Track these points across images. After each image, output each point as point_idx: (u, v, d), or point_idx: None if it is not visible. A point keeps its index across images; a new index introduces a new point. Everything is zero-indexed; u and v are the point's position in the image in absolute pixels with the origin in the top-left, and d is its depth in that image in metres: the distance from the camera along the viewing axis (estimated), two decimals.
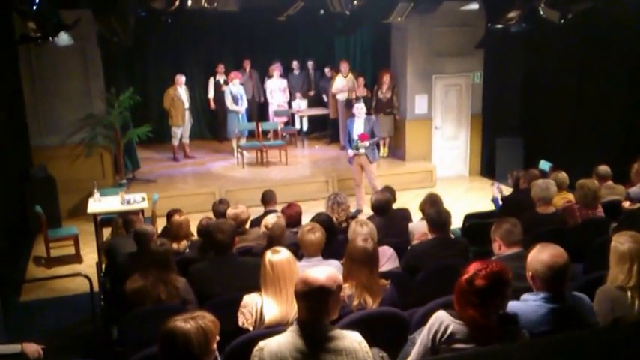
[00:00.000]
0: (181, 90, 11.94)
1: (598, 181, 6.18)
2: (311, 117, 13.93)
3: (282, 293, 3.50)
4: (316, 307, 2.81)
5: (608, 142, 9.12)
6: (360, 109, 9.45)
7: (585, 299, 3.32)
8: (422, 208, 5.95)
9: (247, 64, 13.22)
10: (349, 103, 12.15)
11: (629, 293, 3.39)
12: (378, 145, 10.72)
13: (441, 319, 2.89)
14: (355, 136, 9.32)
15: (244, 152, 11.93)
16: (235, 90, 12.30)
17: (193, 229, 6.22)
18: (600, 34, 9.14)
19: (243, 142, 12.48)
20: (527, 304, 3.16)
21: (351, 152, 9.47)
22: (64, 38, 7.66)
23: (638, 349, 1.63)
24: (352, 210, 8.94)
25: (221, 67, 12.95)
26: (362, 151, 9.33)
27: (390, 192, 6.54)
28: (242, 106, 12.40)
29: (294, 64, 13.58)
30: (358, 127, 9.38)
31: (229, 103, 12.27)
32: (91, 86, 10.08)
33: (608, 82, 9.20)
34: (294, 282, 2.99)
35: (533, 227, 5.19)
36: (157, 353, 2.68)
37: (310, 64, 13.74)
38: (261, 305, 3.59)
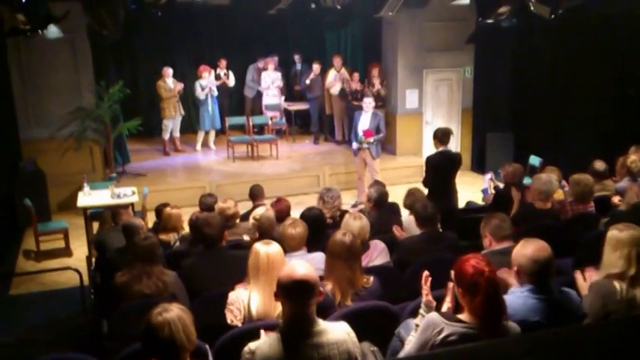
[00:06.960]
0: (170, 82, 11.89)
1: (594, 177, 6.14)
2: (303, 112, 13.85)
3: (270, 286, 3.45)
4: (301, 302, 2.75)
5: (598, 137, 9.17)
6: (368, 103, 9.46)
7: (572, 294, 3.35)
8: (406, 205, 6.00)
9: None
10: (342, 93, 12.13)
11: (618, 286, 3.27)
12: None
13: (434, 324, 2.83)
14: (360, 131, 9.35)
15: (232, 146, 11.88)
16: (204, 83, 12.20)
17: (186, 223, 6.20)
18: (590, 30, 9.17)
19: (212, 135, 12.64)
20: (516, 296, 3.19)
21: (355, 145, 9.52)
22: (53, 31, 7.58)
23: (629, 345, 1.65)
24: (352, 201, 9.16)
25: (223, 62, 12.85)
26: (365, 146, 9.38)
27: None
28: (206, 97, 12.27)
29: (297, 57, 13.53)
30: (364, 121, 9.40)
31: (198, 92, 12.22)
32: (81, 79, 10.02)
33: (598, 78, 9.23)
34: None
35: (528, 221, 5.18)
36: (144, 348, 2.69)
37: (297, 57, 13.65)
38: (248, 299, 3.55)
